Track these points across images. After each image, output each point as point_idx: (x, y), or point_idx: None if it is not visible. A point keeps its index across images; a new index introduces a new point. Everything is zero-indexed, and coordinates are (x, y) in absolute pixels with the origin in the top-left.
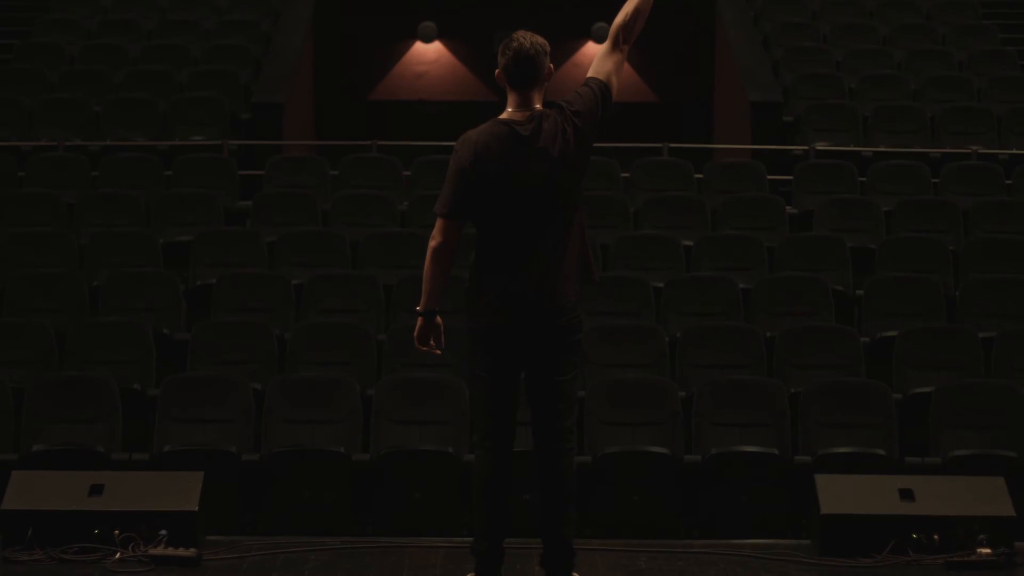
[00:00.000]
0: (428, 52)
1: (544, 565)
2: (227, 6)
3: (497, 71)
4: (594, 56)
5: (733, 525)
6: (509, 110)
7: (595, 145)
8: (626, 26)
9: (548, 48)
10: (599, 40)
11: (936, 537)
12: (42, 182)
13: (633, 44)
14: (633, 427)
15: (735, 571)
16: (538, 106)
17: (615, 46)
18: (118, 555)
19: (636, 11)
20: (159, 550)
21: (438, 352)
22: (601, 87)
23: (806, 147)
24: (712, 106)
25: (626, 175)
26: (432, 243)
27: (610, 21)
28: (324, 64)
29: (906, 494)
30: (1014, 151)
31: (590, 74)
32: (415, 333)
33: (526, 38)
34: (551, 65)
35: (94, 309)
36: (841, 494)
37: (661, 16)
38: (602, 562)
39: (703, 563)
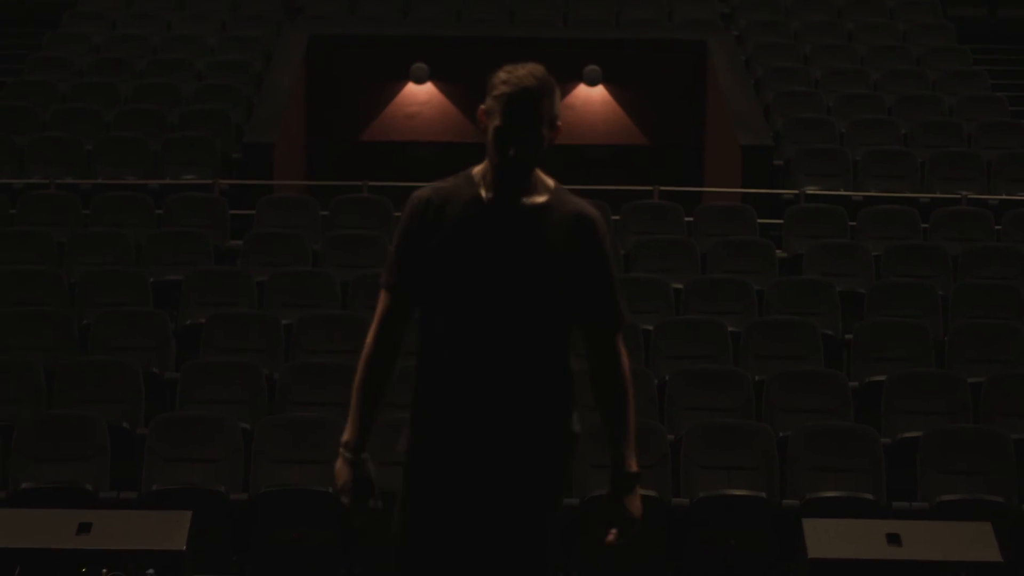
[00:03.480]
0: (420, 93)
1: None
2: (219, 46)
3: (481, 108)
4: (584, 99)
5: (718, 568)
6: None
7: (585, 188)
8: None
9: (556, 88)
10: (591, 83)
11: None
12: (33, 220)
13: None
14: None
15: None
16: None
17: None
18: None
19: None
20: None
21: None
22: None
23: (796, 191)
24: (703, 149)
25: (616, 218)
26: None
27: (602, 63)
28: (315, 104)
29: (893, 539)
30: (1004, 196)
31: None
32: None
33: (524, 69)
34: (558, 116)
35: (83, 348)
36: (828, 538)
37: (652, 60)
38: None
39: None
